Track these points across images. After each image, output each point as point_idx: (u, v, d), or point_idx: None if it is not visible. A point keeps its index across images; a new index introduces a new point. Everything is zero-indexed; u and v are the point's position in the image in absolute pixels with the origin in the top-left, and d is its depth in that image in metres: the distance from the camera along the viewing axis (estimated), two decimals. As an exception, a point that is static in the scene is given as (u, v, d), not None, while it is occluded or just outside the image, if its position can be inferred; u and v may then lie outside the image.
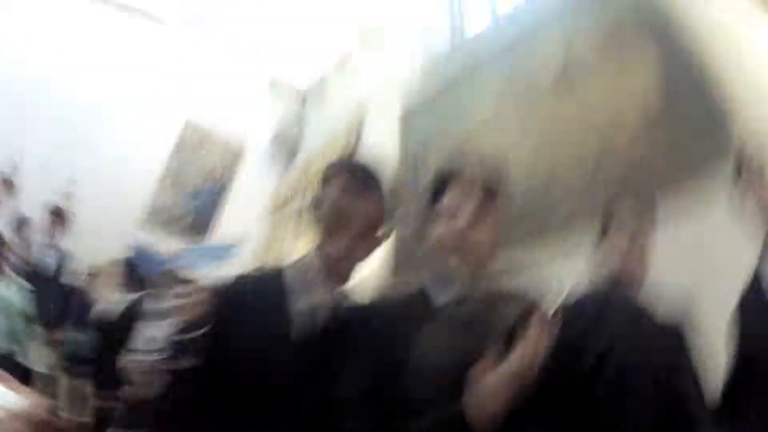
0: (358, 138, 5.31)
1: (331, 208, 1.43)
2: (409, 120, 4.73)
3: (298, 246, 5.29)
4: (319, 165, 5.37)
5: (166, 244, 6.20)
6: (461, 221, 1.30)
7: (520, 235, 3.12)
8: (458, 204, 1.33)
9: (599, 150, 3.11)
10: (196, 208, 6.97)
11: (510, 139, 3.64)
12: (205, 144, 7.09)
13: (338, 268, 1.44)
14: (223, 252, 5.24)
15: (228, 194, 7.09)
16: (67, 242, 5.49)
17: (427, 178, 1.72)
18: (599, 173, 3.06)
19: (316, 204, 1.48)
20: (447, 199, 1.36)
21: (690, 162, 2.62)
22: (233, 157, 7.17)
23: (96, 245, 5.76)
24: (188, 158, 7.03)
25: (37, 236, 5.28)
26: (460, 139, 4.05)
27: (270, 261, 5.33)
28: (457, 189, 1.36)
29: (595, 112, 3.20)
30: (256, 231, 6.37)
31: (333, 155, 5.27)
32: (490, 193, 1.36)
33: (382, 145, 4.69)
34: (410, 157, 4.42)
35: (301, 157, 6.75)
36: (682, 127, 2.73)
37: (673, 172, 2.67)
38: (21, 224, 5.32)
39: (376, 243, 1.48)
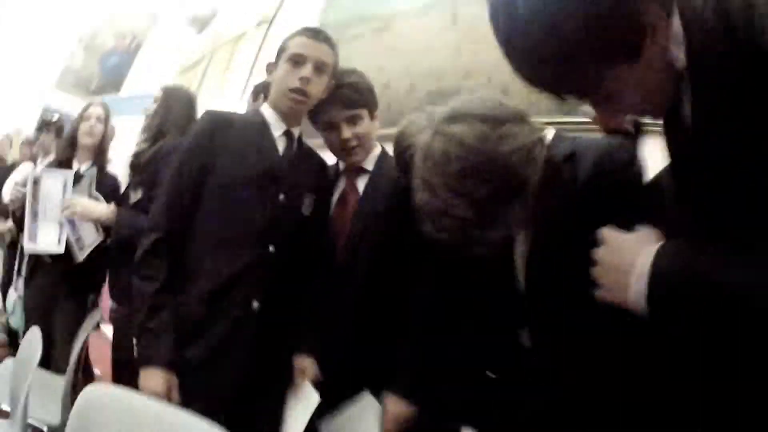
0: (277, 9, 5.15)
1: (291, 56, 1.67)
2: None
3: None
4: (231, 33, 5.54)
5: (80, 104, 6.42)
6: None
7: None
8: None
9: None
10: (109, 69, 7.01)
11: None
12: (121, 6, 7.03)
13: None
14: (142, 103, 5.24)
15: (139, 55, 7.02)
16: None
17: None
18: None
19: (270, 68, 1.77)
20: None
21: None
22: (147, 20, 7.05)
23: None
24: (102, 21, 6.99)
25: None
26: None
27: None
28: None
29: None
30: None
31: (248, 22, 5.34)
32: None
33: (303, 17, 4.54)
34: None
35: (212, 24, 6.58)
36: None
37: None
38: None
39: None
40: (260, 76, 4.69)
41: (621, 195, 1.02)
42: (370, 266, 1.76)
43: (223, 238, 1.64)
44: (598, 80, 0.75)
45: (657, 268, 0.74)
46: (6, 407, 2.07)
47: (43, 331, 2.54)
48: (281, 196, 1.70)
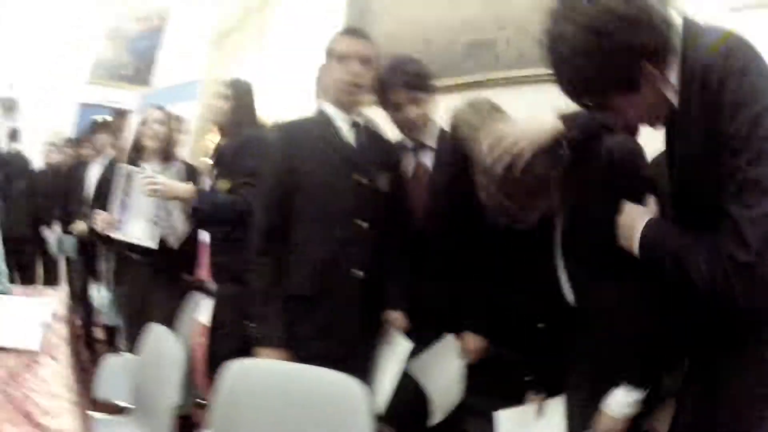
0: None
1: (338, 56, 1.95)
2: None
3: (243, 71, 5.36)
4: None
5: (117, 95, 6.62)
6: None
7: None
8: None
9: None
10: (140, 53, 7.06)
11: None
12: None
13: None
14: (185, 91, 5.31)
15: (168, 32, 7.03)
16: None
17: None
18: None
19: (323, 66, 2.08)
20: None
21: None
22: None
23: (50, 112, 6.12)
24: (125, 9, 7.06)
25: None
26: None
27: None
28: None
29: None
30: (199, 65, 6.27)
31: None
32: None
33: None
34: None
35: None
36: None
37: None
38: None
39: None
40: (304, 31, 4.74)
41: (629, 176, 1.46)
42: (445, 232, 2.06)
43: (320, 224, 1.92)
44: (605, 101, 1.21)
45: (644, 232, 1.24)
46: (121, 403, 2.19)
47: (141, 320, 2.76)
48: (363, 180, 1.95)
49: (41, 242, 5.34)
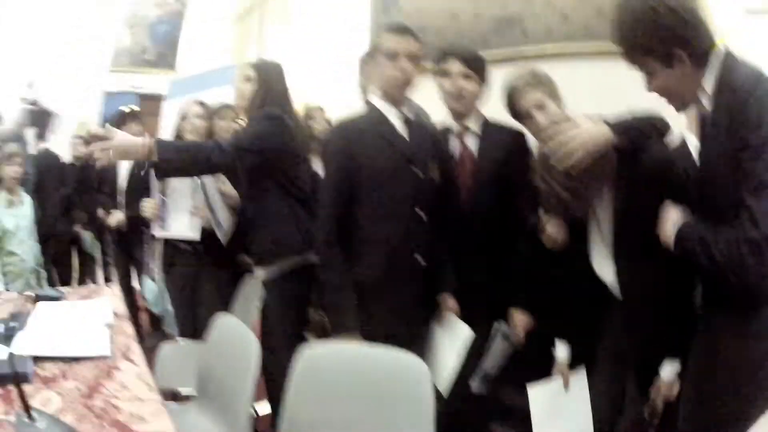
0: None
1: (387, 53, 2.03)
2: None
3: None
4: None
5: (141, 80, 6.68)
6: None
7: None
8: None
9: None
10: (161, 37, 7.12)
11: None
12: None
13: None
14: (220, 76, 5.33)
15: (187, 16, 7.08)
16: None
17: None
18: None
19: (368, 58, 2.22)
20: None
21: None
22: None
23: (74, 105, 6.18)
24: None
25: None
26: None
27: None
28: None
29: None
30: (223, 46, 6.31)
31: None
32: None
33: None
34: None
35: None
36: None
37: None
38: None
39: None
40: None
41: (666, 178, 1.70)
42: (492, 215, 2.20)
43: (383, 215, 2.06)
44: (644, 63, 1.54)
45: (679, 232, 1.51)
46: (184, 391, 2.23)
47: (192, 306, 2.84)
48: (418, 172, 2.08)
49: (76, 238, 5.41)
